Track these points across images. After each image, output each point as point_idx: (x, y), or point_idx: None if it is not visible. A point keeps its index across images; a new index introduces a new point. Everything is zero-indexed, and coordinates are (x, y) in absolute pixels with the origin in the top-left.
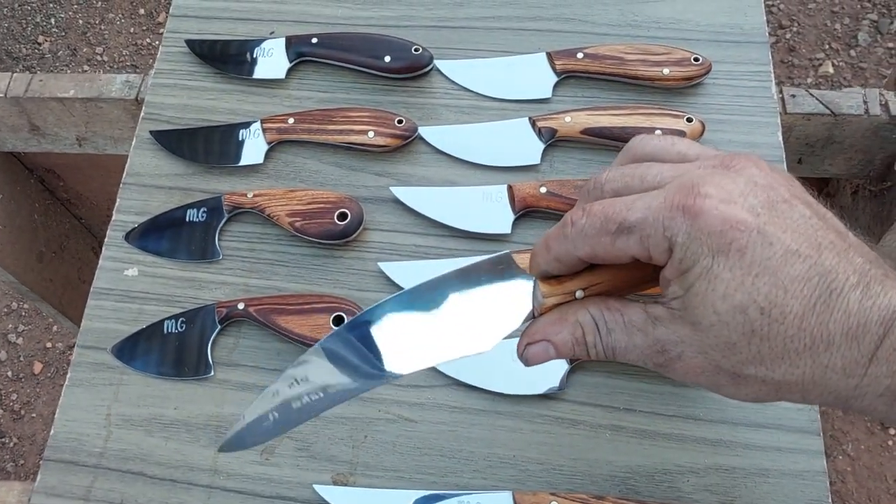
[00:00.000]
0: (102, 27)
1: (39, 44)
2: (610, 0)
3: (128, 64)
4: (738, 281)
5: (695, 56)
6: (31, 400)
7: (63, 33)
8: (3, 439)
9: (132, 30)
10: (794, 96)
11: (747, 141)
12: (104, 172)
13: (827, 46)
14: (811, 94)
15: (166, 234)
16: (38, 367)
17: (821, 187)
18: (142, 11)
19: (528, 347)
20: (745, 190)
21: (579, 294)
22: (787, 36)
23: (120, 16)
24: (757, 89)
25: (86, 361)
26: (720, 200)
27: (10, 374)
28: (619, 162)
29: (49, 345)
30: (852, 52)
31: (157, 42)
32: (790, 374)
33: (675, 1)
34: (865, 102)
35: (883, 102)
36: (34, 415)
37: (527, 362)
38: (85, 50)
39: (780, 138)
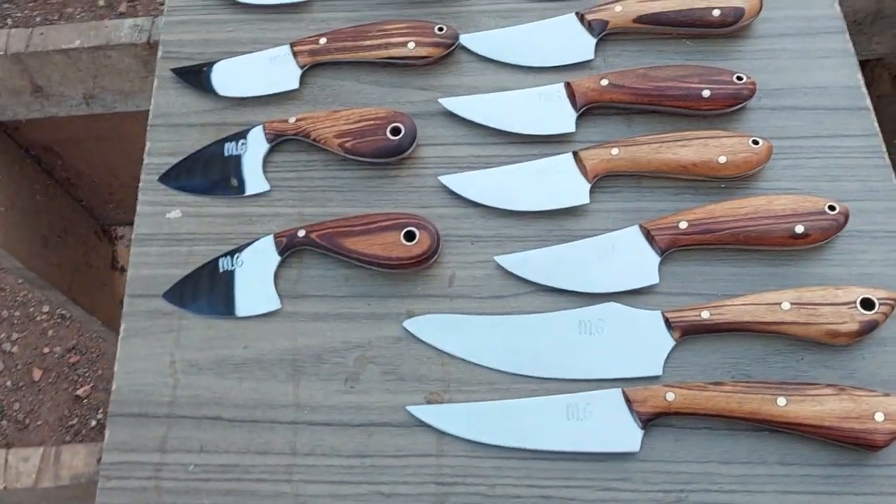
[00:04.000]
0: (62, 22)
1: None
2: None
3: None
4: None
5: None
6: (35, 408)
7: None
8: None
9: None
10: None
11: (805, 15)
12: (105, 144)
13: None
14: None
15: (206, 172)
16: (37, 373)
17: None
18: (101, 2)
19: None
20: None
21: None
22: None
23: (79, 9)
24: None
25: (139, 311)
26: None
27: (9, 384)
28: None
29: (46, 350)
30: None
31: None
32: None
33: None
34: None
35: None
36: (40, 422)
37: None
38: None
39: (839, 9)
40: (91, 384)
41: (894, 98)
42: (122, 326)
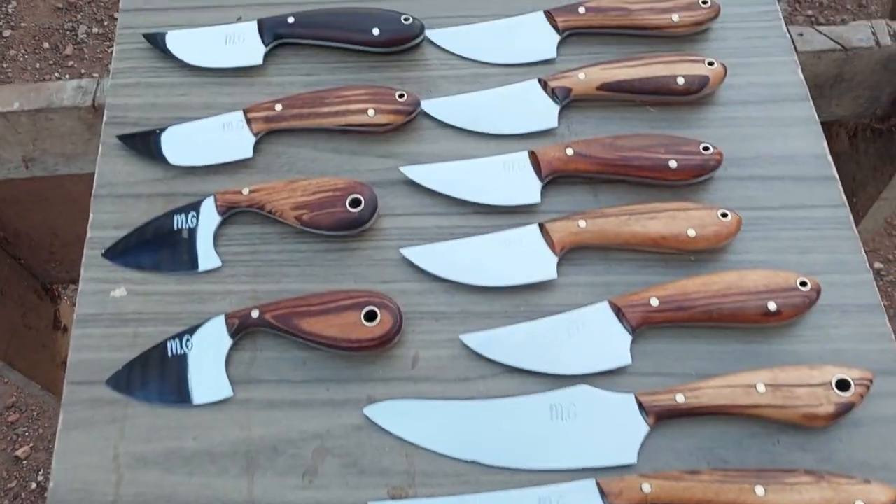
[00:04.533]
0: (4, 65)
1: None
2: None
3: None
4: None
5: None
6: None
7: None
8: None
9: (38, 65)
10: (801, 35)
11: (769, 81)
12: (46, 204)
13: None
14: (819, 31)
15: (153, 246)
16: None
17: None
18: (46, 45)
19: None
20: None
21: None
22: None
23: (22, 52)
24: (768, 29)
25: (80, 399)
26: None
27: None
28: None
29: None
30: None
31: (66, 76)
32: None
33: None
34: (874, 34)
35: (892, 32)
36: None
37: None
38: None
39: (801, 76)
40: (31, 444)
41: (851, 156)
42: (61, 417)
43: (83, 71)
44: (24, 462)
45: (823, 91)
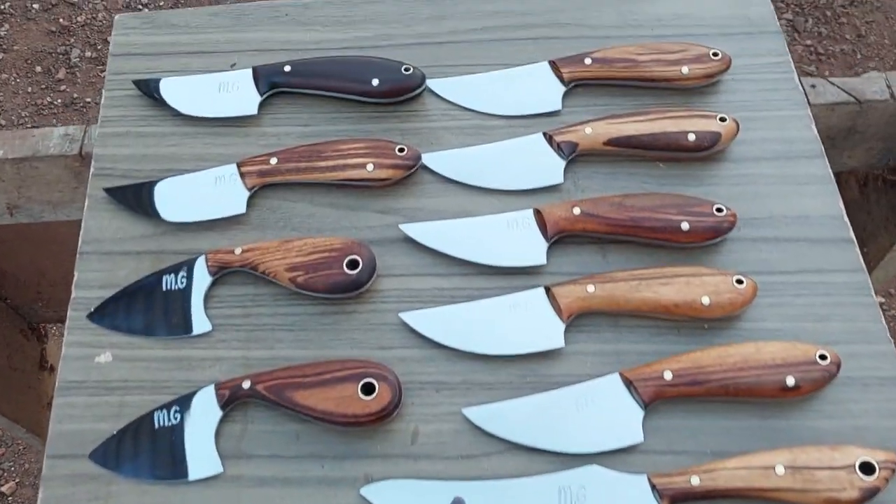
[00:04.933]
0: None
1: None
2: (606, 2)
3: (28, 126)
4: None
5: (713, 50)
6: None
7: None
8: None
9: (30, 89)
10: (814, 87)
11: (782, 137)
12: (33, 244)
13: None
14: (832, 82)
15: (141, 308)
16: None
17: None
18: (38, 69)
19: None
20: None
21: None
22: None
23: (14, 75)
24: (780, 81)
25: (60, 475)
26: None
27: None
28: None
29: None
30: None
31: (58, 100)
32: None
33: None
34: (889, 87)
35: None
36: None
37: None
38: None
39: (815, 131)
40: (17, 480)
41: (862, 205)
42: (41, 495)
43: (76, 95)
44: (10, 498)
45: (836, 142)
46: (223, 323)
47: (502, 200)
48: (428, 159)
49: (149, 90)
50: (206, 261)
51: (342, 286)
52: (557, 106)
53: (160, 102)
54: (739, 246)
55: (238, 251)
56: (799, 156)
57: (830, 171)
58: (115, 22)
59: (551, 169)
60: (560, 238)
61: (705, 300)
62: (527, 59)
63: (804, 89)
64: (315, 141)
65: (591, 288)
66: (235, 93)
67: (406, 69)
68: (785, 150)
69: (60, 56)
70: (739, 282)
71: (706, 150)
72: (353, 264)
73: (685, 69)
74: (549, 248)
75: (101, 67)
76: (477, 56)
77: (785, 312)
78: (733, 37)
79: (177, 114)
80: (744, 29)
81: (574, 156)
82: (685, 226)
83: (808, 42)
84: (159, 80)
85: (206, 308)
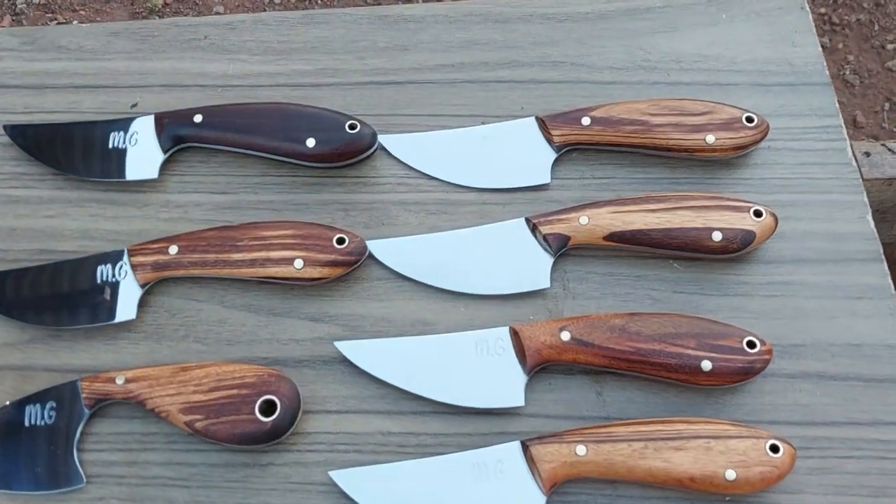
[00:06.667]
0: None
1: None
2: (609, 34)
3: None
4: None
5: (747, 115)
6: None
7: None
8: None
9: None
10: (868, 155)
11: (829, 231)
12: None
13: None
14: (890, 149)
15: None
16: None
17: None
18: None
19: None
20: None
21: None
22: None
23: None
24: (829, 153)
25: None
26: None
27: None
28: None
29: None
30: None
31: None
32: None
33: (696, 29)
34: None
35: None
36: None
37: None
38: None
39: (872, 225)
40: None
41: None
42: None
43: None
44: None
45: (886, 216)
46: (101, 473)
47: (471, 308)
48: (377, 249)
49: (25, 139)
50: (81, 390)
51: (252, 437)
52: (545, 178)
53: (38, 156)
54: (773, 385)
55: (120, 380)
56: (851, 258)
57: (891, 281)
58: None
59: (534, 268)
60: (544, 367)
61: (730, 474)
62: (508, 109)
63: (856, 159)
64: (232, 217)
65: (581, 449)
66: (133, 148)
67: (352, 126)
68: (833, 251)
69: (5, 1)
70: (774, 448)
71: (734, 253)
72: (268, 407)
73: (710, 138)
74: (529, 381)
75: (50, 15)
76: (445, 103)
77: (831, 482)
78: (771, 88)
79: (57, 173)
80: (785, 78)
81: (564, 250)
82: (706, 365)
83: (822, 10)
84: (39, 125)
85: (79, 452)
